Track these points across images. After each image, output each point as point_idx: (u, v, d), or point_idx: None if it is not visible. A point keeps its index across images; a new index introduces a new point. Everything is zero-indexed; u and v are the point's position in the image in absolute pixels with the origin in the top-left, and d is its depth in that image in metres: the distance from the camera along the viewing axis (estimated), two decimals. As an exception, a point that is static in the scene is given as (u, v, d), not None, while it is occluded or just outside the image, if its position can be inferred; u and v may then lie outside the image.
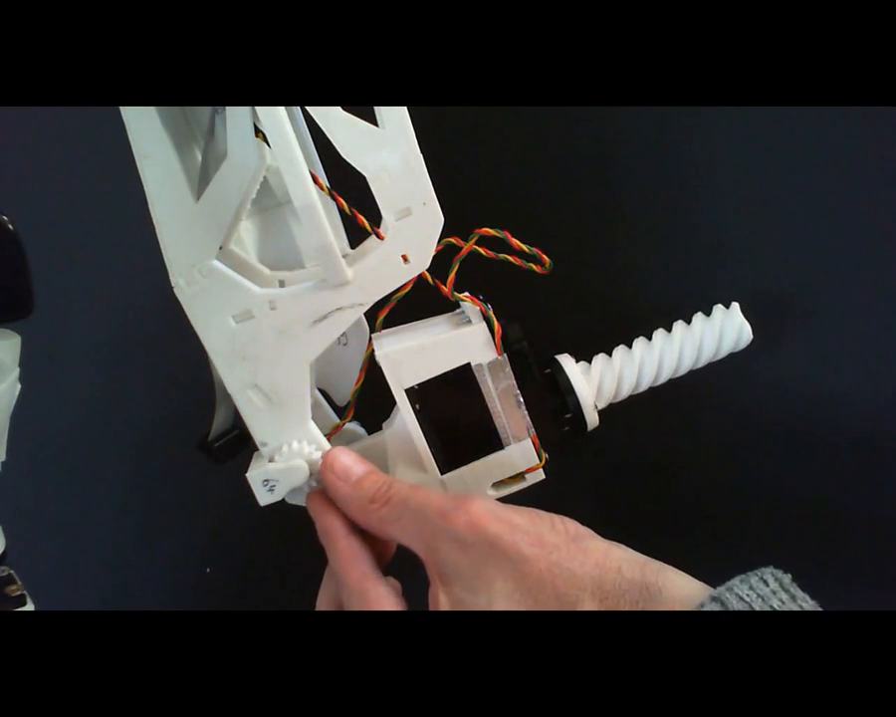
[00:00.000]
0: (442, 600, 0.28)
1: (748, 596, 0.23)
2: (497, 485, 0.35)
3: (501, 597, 0.26)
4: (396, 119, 0.30)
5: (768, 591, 0.24)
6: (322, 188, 0.31)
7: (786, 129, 0.43)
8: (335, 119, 0.29)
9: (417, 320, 0.35)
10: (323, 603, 0.34)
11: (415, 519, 0.29)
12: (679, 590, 0.25)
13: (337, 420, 0.37)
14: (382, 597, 0.30)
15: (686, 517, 0.49)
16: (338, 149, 0.30)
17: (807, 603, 0.24)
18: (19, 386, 0.32)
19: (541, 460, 0.34)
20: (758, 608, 0.23)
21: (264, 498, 0.33)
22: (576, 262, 0.41)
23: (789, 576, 0.25)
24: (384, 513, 0.30)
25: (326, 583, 0.34)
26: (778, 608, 0.23)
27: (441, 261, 0.32)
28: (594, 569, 0.26)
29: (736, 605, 0.23)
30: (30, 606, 0.33)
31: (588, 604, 0.25)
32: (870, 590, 0.47)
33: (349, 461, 0.32)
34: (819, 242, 0.44)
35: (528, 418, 0.33)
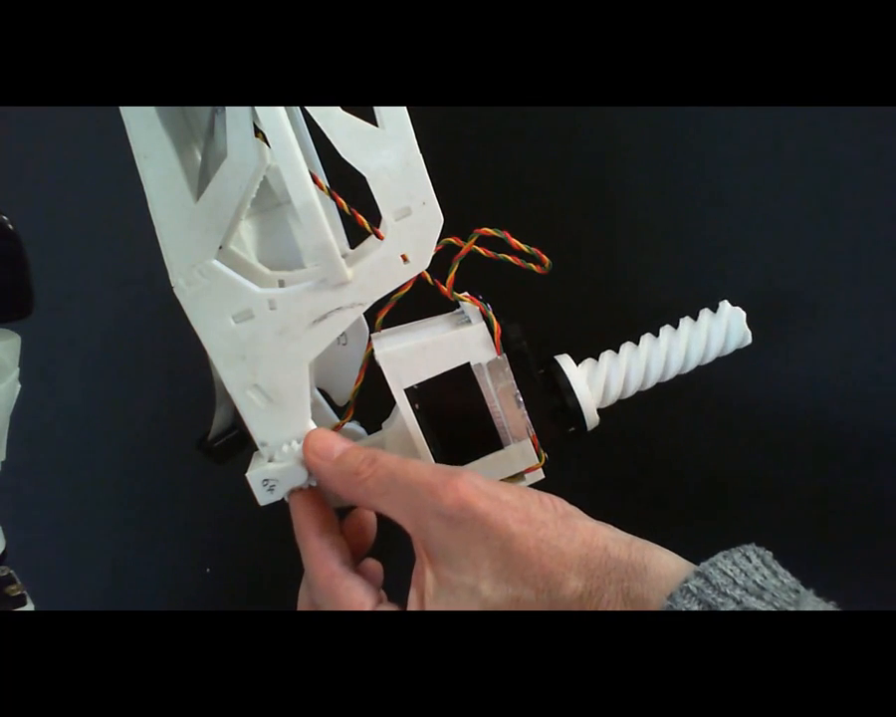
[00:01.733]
0: (428, 578, 0.28)
1: (731, 571, 0.24)
2: (497, 485, 0.35)
3: (488, 577, 0.26)
4: (396, 119, 0.30)
5: (750, 566, 0.24)
6: (321, 188, 0.31)
7: (787, 129, 0.43)
8: (335, 119, 0.29)
9: (417, 320, 0.35)
10: (302, 600, 0.34)
11: (403, 493, 0.29)
12: (664, 567, 0.25)
13: (337, 420, 0.37)
14: (352, 590, 0.30)
15: (685, 512, 0.49)
16: (338, 149, 0.30)
17: (788, 579, 0.24)
18: (19, 386, 0.32)
19: (540, 460, 0.34)
20: (740, 582, 0.23)
21: (264, 498, 0.33)
22: (576, 262, 0.41)
23: (770, 553, 0.25)
24: (370, 485, 0.30)
25: (304, 581, 0.34)
26: (759, 583, 0.24)
27: (441, 261, 0.32)
28: (581, 547, 0.26)
29: (719, 580, 0.24)
30: (30, 606, 0.33)
31: (574, 583, 0.26)
32: (869, 582, 0.47)
33: (330, 440, 0.32)
34: (820, 242, 0.44)
35: (527, 418, 0.33)
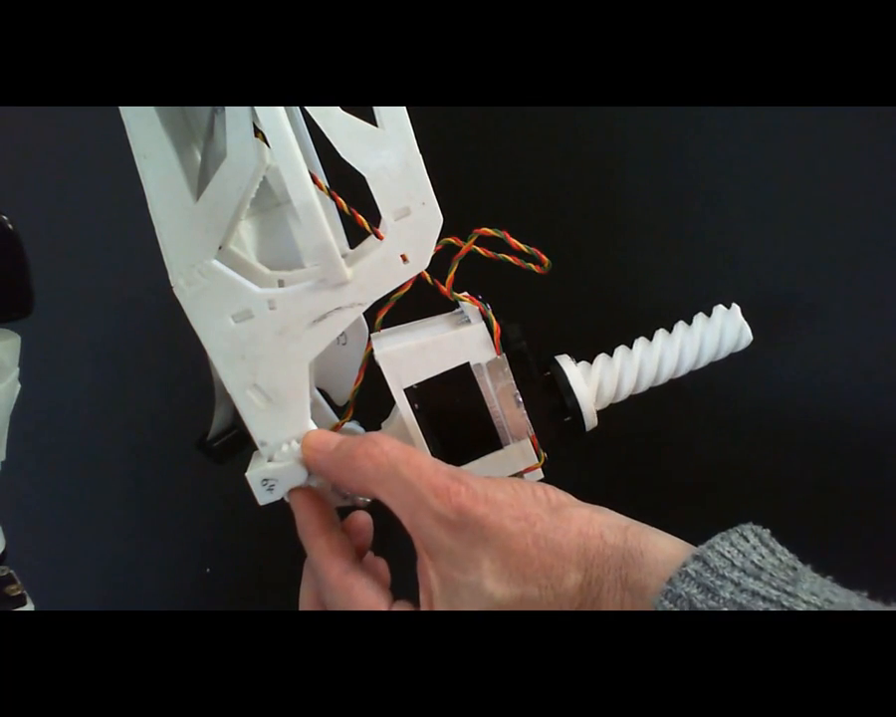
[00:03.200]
0: (432, 576, 0.28)
1: (729, 552, 0.24)
2: (496, 485, 0.35)
3: (490, 576, 0.27)
4: (396, 119, 0.30)
5: (748, 546, 0.24)
6: (321, 188, 0.31)
7: (787, 129, 0.43)
8: (335, 119, 0.29)
9: (416, 320, 0.35)
10: (305, 600, 0.33)
11: (402, 487, 0.28)
12: (661, 551, 0.26)
13: (337, 420, 0.37)
14: (366, 589, 0.30)
15: (685, 511, 0.48)
16: (338, 149, 0.30)
17: (786, 556, 0.24)
18: (19, 386, 0.32)
19: (540, 460, 0.34)
20: (738, 564, 0.24)
21: (263, 497, 0.33)
22: (576, 262, 0.41)
23: (768, 531, 0.25)
24: (369, 470, 0.29)
25: (306, 578, 0.34)
26: (757, 563, 0.24)
27: (440, 261, 0.32)
28: (578, 537, 0.27)
29: (717, 562, 0.24)
30: (30, 606, 0.33)
31: (574, 576, 0.26)
32: (869, 583, 0.47)
33: (327, 436, 0.32)
34: (819, 242, 0.44)
35: (527, 418, 0.33)
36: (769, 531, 0.25)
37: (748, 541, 0.25)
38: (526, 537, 0.27)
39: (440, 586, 0.28)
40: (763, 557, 0.24)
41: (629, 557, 0.26)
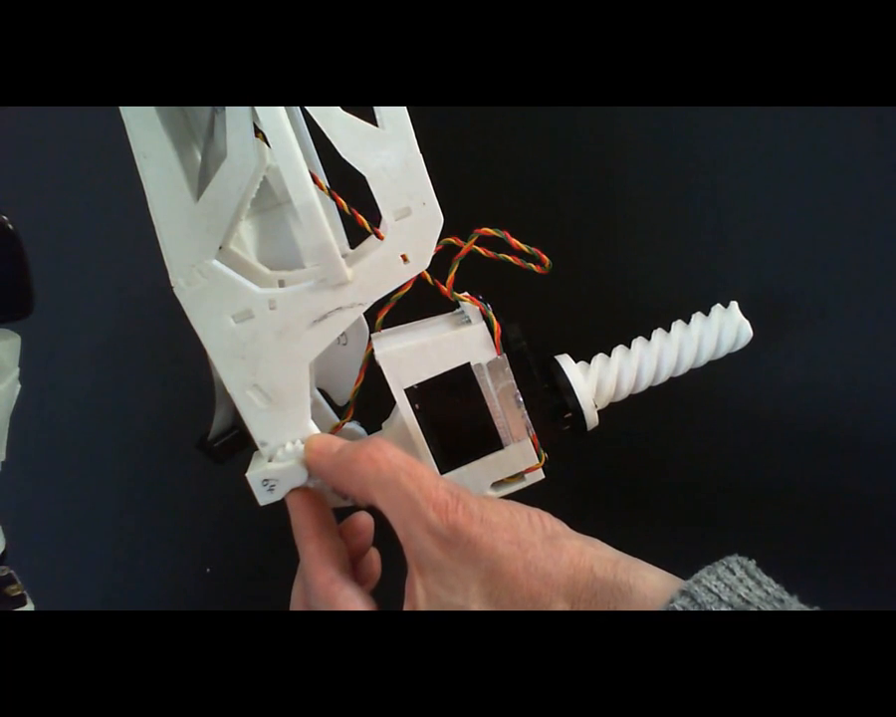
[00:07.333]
0: (419, 592, 0.28)
1: (715, 586, 0.24)
2: (496, 485, 0.35)
3: (477, 599, 0.27)
4: (396, 119, 0.30)
5: (734, 579, 0.24)
6: (321, 188, 0.31)
7: (787, 129, 0.43)
8: (335, 119, 0.29)
9: (417, 320, 0.35)
10: (296, 600, 0.33)
11: (401, 495, 0.28)
12: (650, 586, 0.25)
13: (337, 420, 0.37)
14: (349, 600, 0.30)
15: (685, 512, 0.49)
16: (338, 149, 0.30)
17: (772, 588, 0.24)
18: (19, 386, 0.32)
19: (540, 460, 0.34)
20: (725, 598, 0.24)
21: (264, 498, 0.33)
22: (576, 262, 0.41)
23: (754, 562, 0.25)
24: (370, 474, 0.29)
25: (297, 580, 0.34)
26: (744, 596, 0.24)
27: (441, 261, 0.32)
28: (568, 567, 0.26)
29: (704, 598, 0.24)
30: (30, 606, 0.33)
31: (561, 606, 0.26)
32: (868, 583, 0.47)
33: (329, 439, 0.33)
34: (820, 242, 0.44)
35: (527, 418, 0.33)
36: (754, 562, 0.25)
37: (734, 574, 0.24)
38: (516, 562, 0.27)
39: (425, 601, 0.27)
40: (749, 590, 0.24)
41: (618, 592, 0.25)
